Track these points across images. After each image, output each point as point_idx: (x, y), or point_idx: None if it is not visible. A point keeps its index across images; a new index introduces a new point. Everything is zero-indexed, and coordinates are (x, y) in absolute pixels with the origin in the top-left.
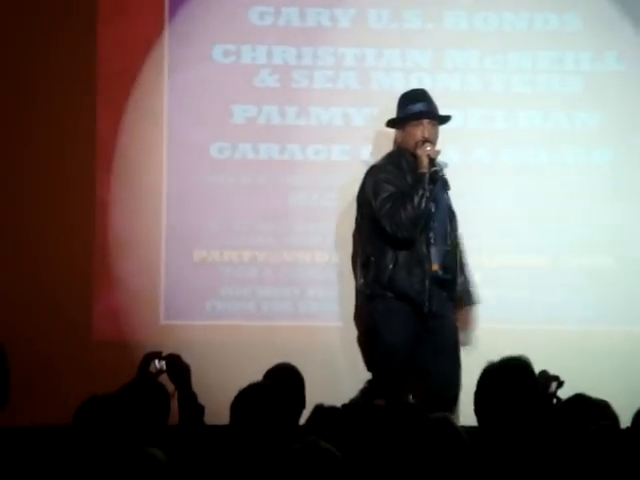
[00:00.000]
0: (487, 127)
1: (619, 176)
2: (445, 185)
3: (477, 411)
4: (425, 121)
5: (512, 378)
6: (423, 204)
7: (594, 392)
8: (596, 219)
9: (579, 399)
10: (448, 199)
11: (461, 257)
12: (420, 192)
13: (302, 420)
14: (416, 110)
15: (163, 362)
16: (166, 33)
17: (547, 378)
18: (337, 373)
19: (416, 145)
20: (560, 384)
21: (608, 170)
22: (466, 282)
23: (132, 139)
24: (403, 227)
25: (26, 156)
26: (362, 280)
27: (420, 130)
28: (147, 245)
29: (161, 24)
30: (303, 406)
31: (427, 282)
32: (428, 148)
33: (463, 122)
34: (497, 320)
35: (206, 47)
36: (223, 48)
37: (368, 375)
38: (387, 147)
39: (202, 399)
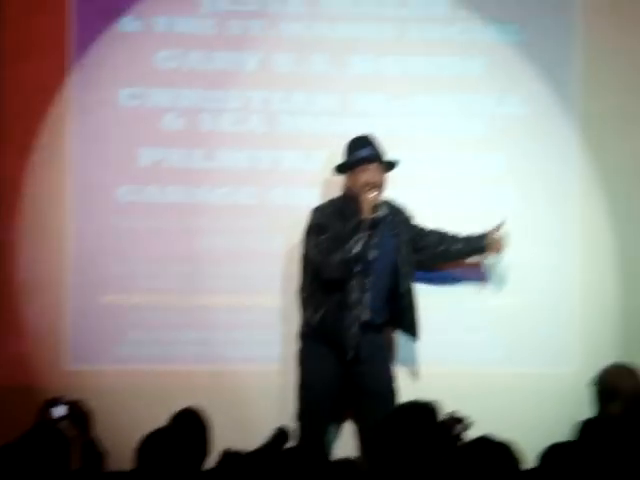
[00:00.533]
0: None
1: (526, 216)
2: (393, 230)
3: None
4: (371, 166)
5: (411, 422)
6: (356, 248)
7: (504, 433)
8: (505, 262)
9: (482, 441)
10: (397, 245)
11: (410, 301)
12: (356, 237)
13: (210, 464)
14: (362, 155)
15: (64, 407)
16: (72, 76)
17: (453, 420)
18: (247, 417)
19: (361, 190)
20: (466, 426)
21: (515, 210)
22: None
23: (38, 181)
24: (331, 269)
25: None
26: (300, 318)
27: (366, 175)
28: (53, 288)
29: (67, 67)
30: (208, 450)
31: (355, 329)
32: (371, 194)
33: None
34: (411, 362)
35: (112, 90)
36: (129, 91)
37: (281, 420)
38: (297, 189)
39: (109, 444)
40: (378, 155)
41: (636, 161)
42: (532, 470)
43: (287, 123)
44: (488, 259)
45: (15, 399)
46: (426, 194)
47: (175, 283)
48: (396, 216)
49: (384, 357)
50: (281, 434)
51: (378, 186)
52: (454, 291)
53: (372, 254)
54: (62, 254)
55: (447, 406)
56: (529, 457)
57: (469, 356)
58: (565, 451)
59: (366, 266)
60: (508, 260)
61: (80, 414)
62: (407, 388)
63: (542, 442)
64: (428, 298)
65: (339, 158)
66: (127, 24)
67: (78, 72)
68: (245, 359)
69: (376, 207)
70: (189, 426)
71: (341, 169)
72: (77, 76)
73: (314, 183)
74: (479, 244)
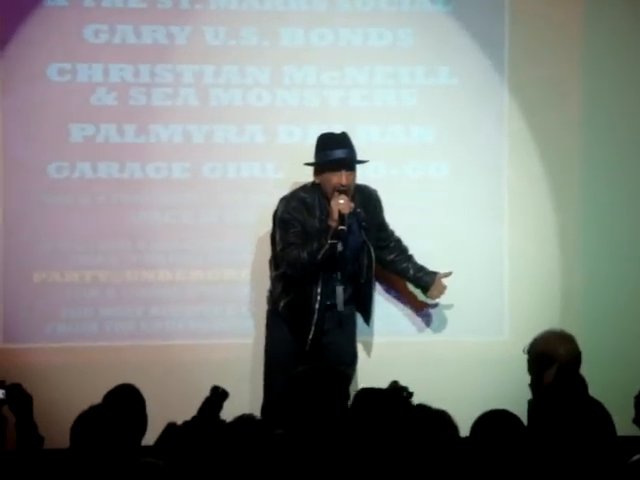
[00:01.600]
0: None
1: (455, 187)
2: (362, 223)
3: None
4: (344, 169)
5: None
6: (319, 256)
7: (438, 402)
8: (435, 232)
9: (420, 409)
10: (363, 235)
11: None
12: (321, 245)
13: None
14: (335, 157)
15: (2, 391)
16: None
17: (398, 388)
18: (183, 391)
19: (332, 193)
20: (409, 395)
21: (445, 183)
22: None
23: None
24: (295, 269)
25: None
26: (268, 293)
27: (337, 178)
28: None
29: None
30: (144, 426)
31: (317, 318)
32: (341, 201)
33: (303, 138)
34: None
35: (40, 66)
36: (58, 67)
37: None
38: (230, 162)
39: (43, 422)
40: (354, 159)
41: (567, 130)
42: (465, 439)
43: (219, 96)
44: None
45: None
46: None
47: (109, 259)
48: (367, 206)
49: (347, 329)
50: (214, 394)
51: (348, 189)
52: None
53: (339, 248)
54: None
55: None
56: (463, 426)
57: (402, 326)
58: (497, 420)
59: (334, 261)
60: (439, 231)
61: (20, 398)
62: None
63: (475, 411)
64: None
65: (271, 131)
66: None
67: (5, 48)
68: (183, 334)
69: (342, 216)
70: (124, 402)
71: (312, 164)
72: (4, 52)
73: (247, 156)
74: (424, 280)
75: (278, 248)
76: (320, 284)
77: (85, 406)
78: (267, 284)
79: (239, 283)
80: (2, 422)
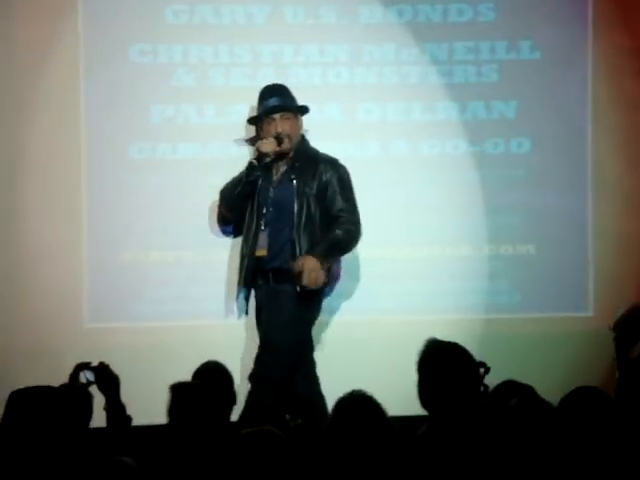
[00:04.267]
0: (406, 120)
1: (536, 161)
2: (292, 175)
3: (422, 398)
4: (277, 116)
5: (456, 364)
6: (236, 190)
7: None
8: (517, 207)
9: (509, 384)
10: (296, 192)
11: (327, 239)
12: (232, 179)
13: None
14: (268, 105)
15: (91, 373)
16: (81, 33)
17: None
18: None
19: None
20: (487, 370)
21: (526, 159)
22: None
23: (48, 141)
24: (222, 206)
25: None
26: None
27: (273, 126)
28: (69, 248)
29: (75, 24)
30: (234, 403)
31: (249, 264)
32: (264, 141)
33: (382, 115)
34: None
35: (122, 47)
36: (139, 48)
37: None
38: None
39: (129, 400)
40: (281, 104)
41: None
42: (554, 413)
43: (299, 75)
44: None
45: (36, 359)
46: (441, 142)
47: (191, 239)
48: (307, 165)
49: (283, 308)
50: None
51: (284, 136)
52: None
53: (270, 194)
54: (77, 214)
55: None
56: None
57: (486, 302)
58: (586, 397)
59: (263, 206)
60: (521, 206)
61: (108, 379)
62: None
63: (561, 388)
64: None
65: (349, 109)
66: None
67: (87, 29)
68: None
69: (264, 153)
70: (214, 379)
71: (252, 122)
72: (87, 33)
73: (326, 134)
74: None
75: None
76: (248, 229)
77: (167, 384)
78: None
79: None
80: (89, 400)
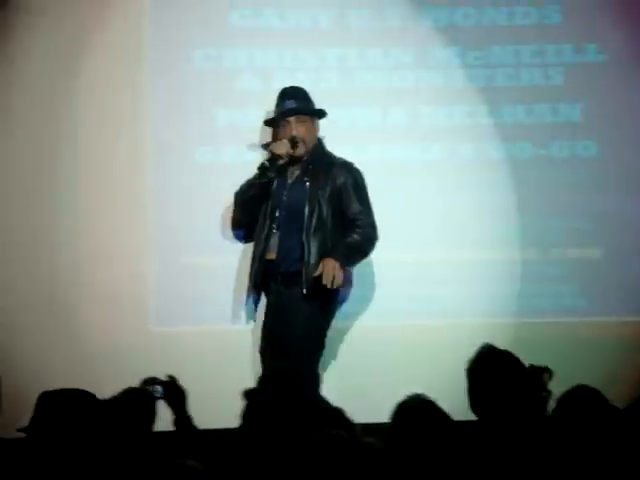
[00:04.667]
0: (471, 123)
1: (602, 168)
2: (304, 178)
3: (473, 405)
4: (292, 119)
5: (506, 371)
6: (250, 193)
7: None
8: (584, 211)
9: (579, 390)
10: (308, 194)
11: (317, 257)
12: (246, 181)
13: None
14: (283, 108)
15: (160, 388)
16: (146, 37)
17: (539, 369)
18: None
19: None
20: (551, 375)
21: (592, 162)
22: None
23: (114, 145)
24: (236, 208)
25: (11, 163)
26: None
27: (288, 129)
28: (135, 252)
29: (140, 29)
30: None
31: (259, 267)
32: (276, 144)
33: (449, 118)
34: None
35: (187, 52)
36: (204, 52)
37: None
38: (372, 145)
39: (194, 403)
40: (297, 108)
41: None
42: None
43: (363, 78)
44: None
45: (102, 363)
46: (506, 145)
47: None
48: (321, 168)
49: (299, 310)
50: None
51: (299, 140)
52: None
53: (284, 197)
54: (142, 217)
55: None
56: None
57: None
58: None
59: (276, 209)
60: (588, 210)
61: (175, 393)
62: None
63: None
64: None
65: (414, 112)
66: None
67: (153, 33)
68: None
69: (275, 157)
70: (282, 384)
71: (268, 124)
72: (153, 38)
73: (390, 139)
74: None
75: None
76: (259, 233)
77: (234, 388)
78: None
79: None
80: (152, 401)
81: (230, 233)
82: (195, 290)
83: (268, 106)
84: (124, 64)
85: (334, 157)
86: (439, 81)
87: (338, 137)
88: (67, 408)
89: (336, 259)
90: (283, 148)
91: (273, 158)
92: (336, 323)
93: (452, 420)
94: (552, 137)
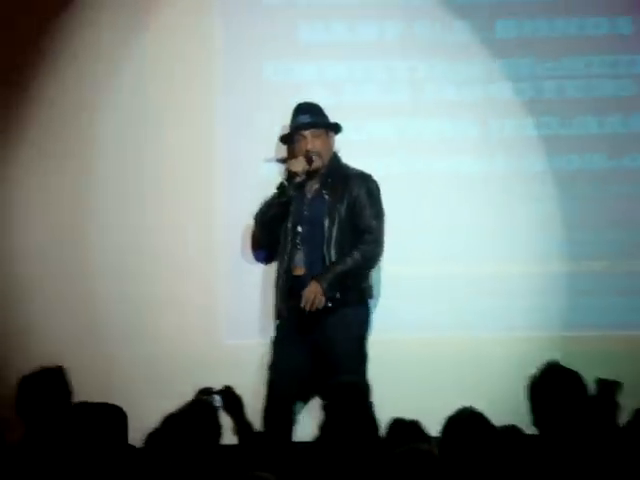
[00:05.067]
0: (543, 135)
1: None
2: (324, 191)
3: (537, 421)
4: (308, 133)
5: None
6: (270, 213)
7: None
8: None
9: None
10: (327, 207)
11: (340, 262)
12: (267, 200)
13: None
14: (297, 123)
15: (218, 398)
16: (217, 51)
17: (609, 384)
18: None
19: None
20: (620, 388)
21: None
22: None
23: (183, 157)
24: (257, 229)
25: (87, 177)
26: None
27: (303, 143)
28: (206, 264)
29: (211, 42)
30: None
31: (285, 284)
32: (294, 160)
33: (518, 130)
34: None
35: (257, 65)
36: (273, 66)
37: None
38: (442, 157)
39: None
40: (312, 122)
41: None
42: None
43: (433, 91)
44: None
45: (175, 376)
46: (580, 157)
47: None
48: (339, 181)
49: (346, 330)
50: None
51: (315, 154)
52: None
53: (305, 212)
54: (213, 230)
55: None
56: None
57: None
58: None
59: (297, 224)
60: None
61: (233, 401)
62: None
63: None
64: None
65: (484, 125)
66: None
67: (224, 47)
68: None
69: (291, 174)
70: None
71: (283, 140)
72: (224, 52)
73: (460, 151)
74: None
75: None
76: (281, 250)
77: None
78: None
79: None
80: (215, 413)
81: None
82: (267, 302)
83: (337, 119)
84: (194, 77)
85: (351, 169)
86: (508, 94)
87: (406, 148)
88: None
89: (320, 284)
90: (299, 165)
91: (290, 176)
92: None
93: (503, 433)
94: (624, 149)
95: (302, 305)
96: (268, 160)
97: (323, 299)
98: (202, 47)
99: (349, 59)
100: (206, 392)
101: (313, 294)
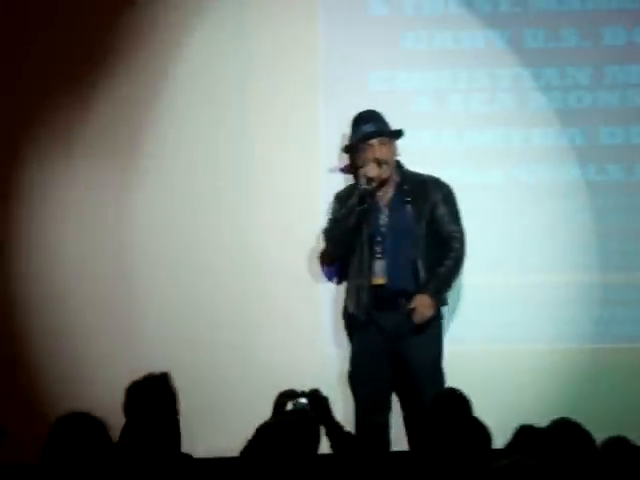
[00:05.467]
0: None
1: None
2: (405, 198)
3: None
4: (374, 142)
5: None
6: (348, 220)
7: None
8: None
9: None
10: (414, 213)
11: (426, 273)
12: (344, 211)
13: None
14: (362, 132)
15: (303, 399)
16: (321, 60)
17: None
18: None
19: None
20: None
21: None
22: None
23: (286, 166)
24: (331, 241)
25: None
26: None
27: (370, 152)
28: (307, 274)
29: (315, 51)
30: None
31: (364, 294)
32: (368, 167)
33: (625, 139)
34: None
35: (362, 74)
36: (378, 75)
37: None
38: (546, 165)
39: None
40: (378, 130)
41: None
42: None
43: (538, 100)
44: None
45: (277, 384)
46: None
47: None
48: (416, 188)
49: (425, 333)
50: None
51: (383, 162)
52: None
53: (382, 221)
54: (314, 235)
55: None
56: None
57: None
58: None
59: (376, 234)
60: None
61: (319, 402)
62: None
63: None
64: None
65: (592, 133)
66: (375, 7)
67: (328, 56)
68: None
69: (370, 180)
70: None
71: (347, 150)
72: (327, 60)
73: (568, 158)
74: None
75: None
76: (363, 260)
77: None
78: None
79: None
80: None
81: None
82: None
83: (441, 128)
84: (298, 85)
85: (423, 175)
86: (615, 101)
87: (511, 156)
88: None
89: (430, 295)
90: (375, 171)
91: (368, 182)
92: None
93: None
94: None
95: (416, 321)
96: (331, 170)
97: (432, 310)
98: (306, 56)
99: (454, 67)
100: (290, 395)
101: (424, 307)
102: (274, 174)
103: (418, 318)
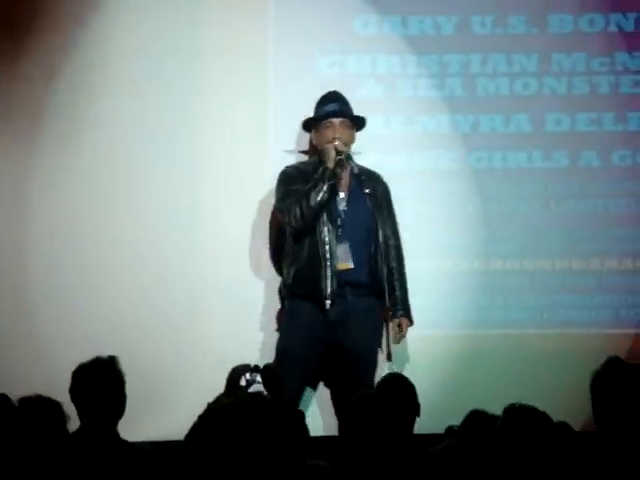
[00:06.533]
0: (596, 130)
1: None
2: (364, 188)
3: (597, 419)
4: (336, 121)
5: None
6: (319, 197)
7: None
8: None
9: None
10: (373, 204)
11: (388, 264)
12: (317, 186)
13: None
14: (327, 110)
15: (255, 374)
16: (271, 44)
17: None
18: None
19: (325, 143)
20: None
21: None
22: (395, 293)
23: (235, 150)
24: (296, 217)
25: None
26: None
27: (331, 131)
28: (259, 255)
29: (265, 36)
30: (417, 414)
31: (329, 280)
32: (337, 142)
33: (570, 126)
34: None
35: (312, 58)
36: (329, 59)
37: None
38: (495, 152)
39: None
40: (343, 110)
41: None
42: None
43: (486, 86)
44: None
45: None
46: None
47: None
48: (370, 178)
49: (368, 321)
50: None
51: (343, 142)
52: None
53: (341, 206)
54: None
55: None
56: None
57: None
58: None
59: (337, 217)
60: None
61: (272, 377)
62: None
63: None
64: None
65: (538, 120)
66: None
67: (277, 40)
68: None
69: (340, 159)
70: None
71: (307, 126)
72: (276, 44)
73: (514, 145)
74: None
75: (278, 205)
76: (325, 242)
77: None
78: None
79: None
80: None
81: None
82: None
83: (390, 113)
84: (247, 70)
85: (369, 168)
86: (562, 89)
87: (459, 142)
88: None
89: (410, 320)
90: (342, 147)
91: (338, 156)
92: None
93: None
94: None
95: (394, 343)
96: (284, 151)
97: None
98: (256, 39)
99: (402, 52)
100: (242, 370)
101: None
102: (222, 157)
103: (396, 342)
